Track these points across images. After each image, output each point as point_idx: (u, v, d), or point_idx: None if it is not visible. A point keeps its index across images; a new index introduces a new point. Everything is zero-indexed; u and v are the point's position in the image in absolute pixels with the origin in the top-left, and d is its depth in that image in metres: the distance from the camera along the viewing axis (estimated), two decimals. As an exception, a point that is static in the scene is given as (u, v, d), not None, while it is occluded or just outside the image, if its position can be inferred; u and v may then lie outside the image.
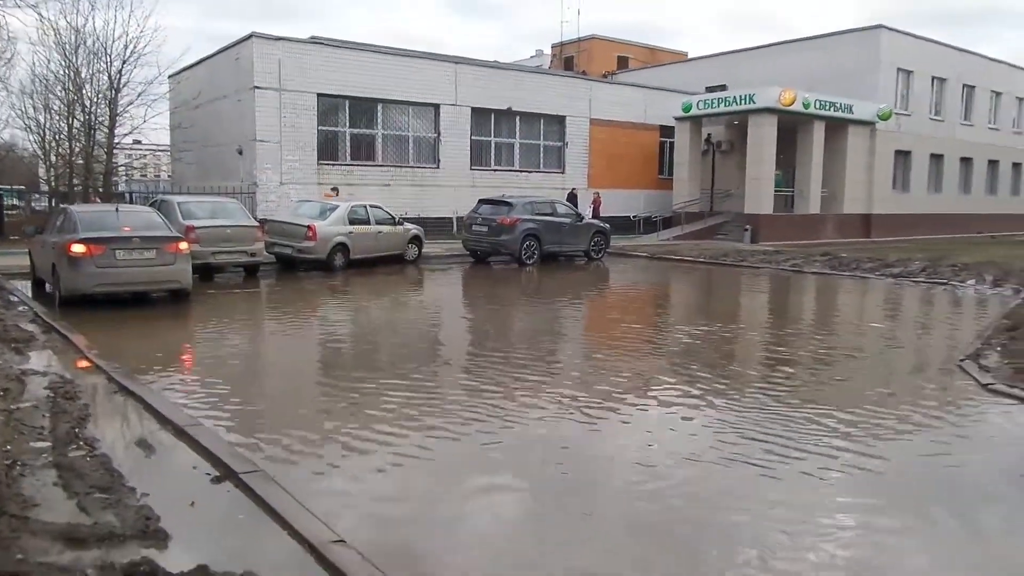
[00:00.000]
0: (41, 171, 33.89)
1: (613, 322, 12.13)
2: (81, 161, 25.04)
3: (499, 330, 11.11)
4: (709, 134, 30.06)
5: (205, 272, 14.35)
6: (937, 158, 32.27)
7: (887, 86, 29.16)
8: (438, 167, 25.33)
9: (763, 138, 26.00)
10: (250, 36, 21.97)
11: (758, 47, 32.68)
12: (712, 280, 17.84)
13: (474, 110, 25.85)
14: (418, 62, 24.82)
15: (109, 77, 24.18)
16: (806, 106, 26.22)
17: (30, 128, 28.63)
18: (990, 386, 7.09)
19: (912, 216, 30.40)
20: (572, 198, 26.00)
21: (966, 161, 33.84)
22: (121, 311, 10.80)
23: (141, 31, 26.66)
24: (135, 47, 23.83)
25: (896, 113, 29.26)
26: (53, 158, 28.25)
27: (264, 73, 21.85)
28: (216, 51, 24.51)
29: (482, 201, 19.81)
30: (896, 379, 8.08)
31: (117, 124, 24.83)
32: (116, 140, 25.29)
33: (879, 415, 6.28)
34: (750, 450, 5.25)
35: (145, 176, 65.90)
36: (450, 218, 24.57)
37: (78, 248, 10.77)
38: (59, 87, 25.10)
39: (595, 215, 26.58)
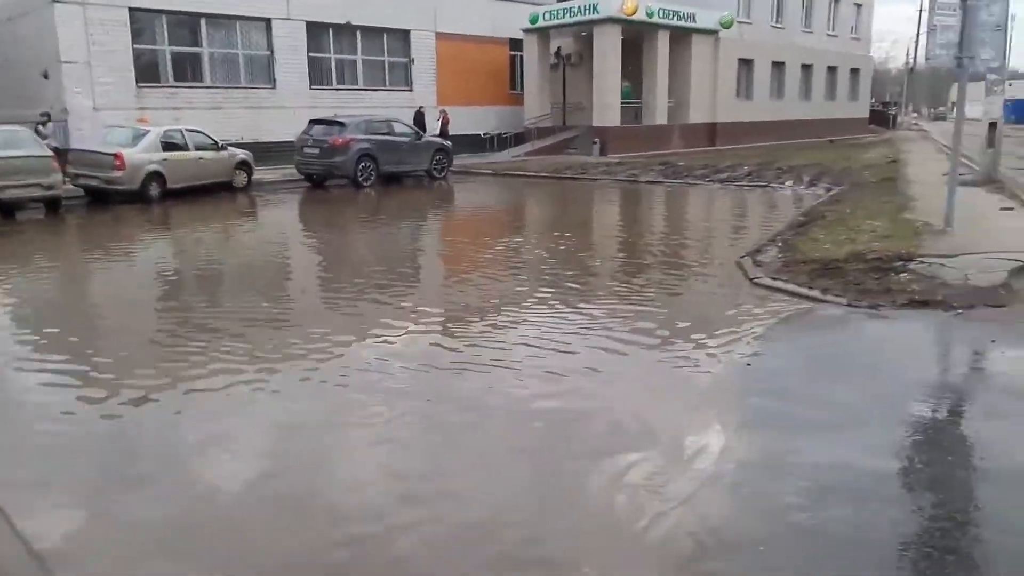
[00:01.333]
0: None
1: (437, 239, 11.93)
2: None
3: (336, 257, 10.60)
4: (559, 47, 29.72)
5: (-3, 209, 13.14)
6: (778, 66, 33.35)
7: (729, -6, 29.63)
8: (274, 87, 23.91)
9: (607, 49, 25.96)
10: (41, -59, 19.66)
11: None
12: (546, 193, 17.87)
13: (310, 25, 24.37)
14: (243, -28, 23.00)
15: None
16: (649, 15, 26.28)
17: None
18: (755, 280, 7.34)
19: (755, 124, 31.48)
20: (419, 116, 25.29)
21: (806, 68, 35.17)
22: None
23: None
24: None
25: (738, 22, 29.85)
26: None
27: (63, -15, 19.66)
28: (9, -40, 21.85)
29: (312, 122, 18.92)
30: (678, 278, 8.27)
31: None
32: None
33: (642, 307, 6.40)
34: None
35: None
36: (290, 141, 23.36)
37: None
38: None
39: (443, 133, 26.06)
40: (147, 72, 21.48)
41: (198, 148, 16.86)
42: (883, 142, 30.70)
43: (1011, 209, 8.96)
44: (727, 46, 29.69)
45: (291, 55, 24.01)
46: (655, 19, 26.55)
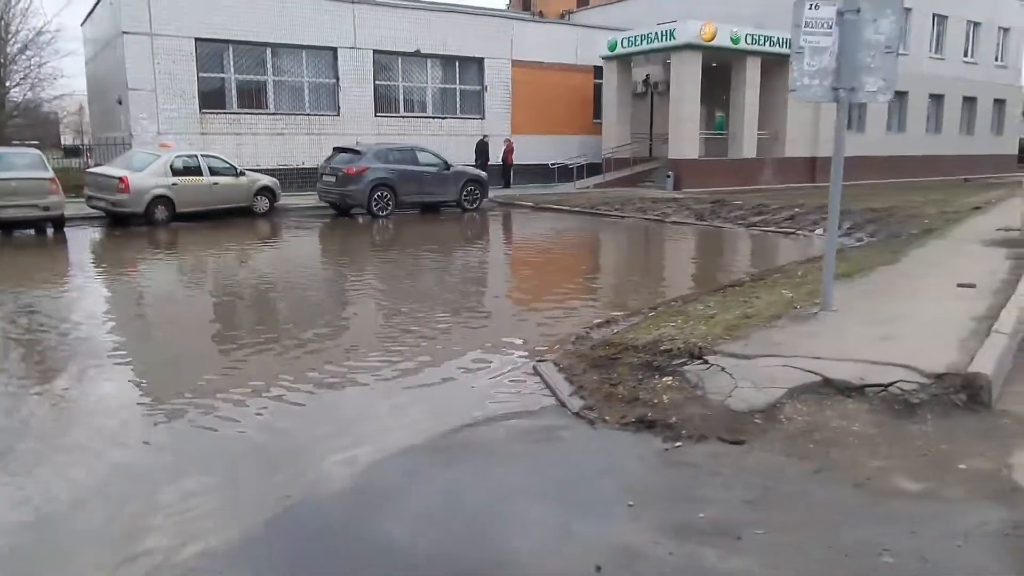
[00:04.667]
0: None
1: (400, 275, 11.01)
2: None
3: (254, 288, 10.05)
4: (647, 75, 28.14)
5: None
6: (900, 95, 29.72)
7: (838, 17, 26.71)
8: (338, 114, 24.12)
9: (685, 77, 24.09)
10: (115, -24, 20.94)
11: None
12: (553, 230, 16.39)
13: (377, 53, 24.45)
14: (310, 3, 23.43)
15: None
16: (735, 41, 24.17)
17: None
18: (538, 360, 5.76)
19: (868, 159, 28.06)
20: (482, 145, 24.64)
21: (936, 98, 31.18)
22: None
23: None
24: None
25: (847, 47, 26.86)
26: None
27: (132, 17, 20.79)
28: (101, -5, 23.56)
29: (336, 149, 18.68)
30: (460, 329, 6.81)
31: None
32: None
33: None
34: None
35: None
36: (344, 168, 23.44)
37: None
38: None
39: (505, 162, 25.27)
40: (211, 99, 22.26)
41: (214, 173, 16.99)
42: (1017, 184, 26.39)
43: (972, 287, 6.74)
44: (833, 73, 26.73)
45: (357, 83, 24.16)
46: (742, 45, 24.36)
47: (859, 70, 5.42)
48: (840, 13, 5.35)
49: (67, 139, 49.47)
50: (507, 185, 24.98)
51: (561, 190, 24.60)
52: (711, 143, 26.92)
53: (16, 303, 8.33)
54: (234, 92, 22.71)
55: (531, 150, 26.72)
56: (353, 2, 24.33)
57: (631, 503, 3.35)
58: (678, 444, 3.96)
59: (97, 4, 24.38)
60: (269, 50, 22.89)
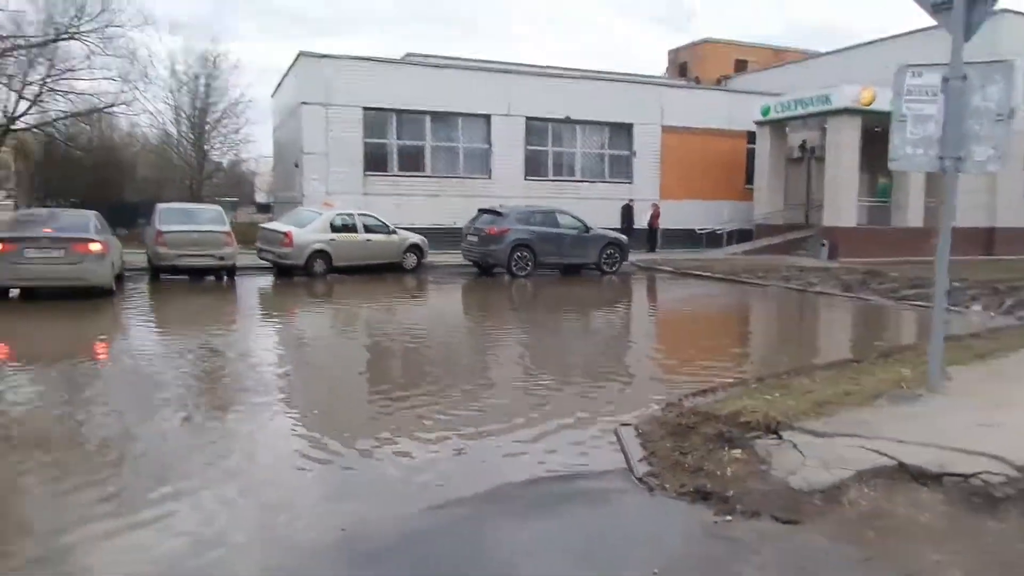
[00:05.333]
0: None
1: (494, 330, 11.47)
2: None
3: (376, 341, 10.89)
4: (804, 140, 27.37)
5: (175, 271, 15.64)
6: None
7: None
8: (489, 177, 25.24)
9: (843, 142, 23.20)
10: (299, 55, 23.32)
11: (877, 40, 28.97)
12: (688, 295, 16.24)
13: (529, 120, 25.48)
14: (469, 74, 24.93)
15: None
16: (899, 105, 23.03)
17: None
18: (622, 424, 5.77)
19: (1054, 230, 25.59)
20: (627, 210, 24.86)
21: None
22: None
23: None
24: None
25: (1031, 110, 24.81)
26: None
27: (311, 89, 23.04)
28: (287, 70, 26.27)
29: (481, 211, 19.51)
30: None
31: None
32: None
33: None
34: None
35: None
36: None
37: (-7, 246, 12.11)
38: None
39: (651, 227, 25.26)
40: (375, 162, 24.06)
41: (368, 231, 18.29)
42: None
43: None
44: (1014, 139, 24.69)
45: (509, 148, 25.23)
46: (907, 109, 23.15)
47: (967, 138, 5.16)
48: (945, 80, 5.15)
49: (260, 197, 54.66)
50: (652, 249, 24.94)
51: (708, 256, 24.17)
52: (873, 211, 25.58)
53: (193, 343, 9.39)
54: (395, 156, 24.42)
55: (679, 215, 26.56)
56: (508, 72, 25.63)
57: (656, 571, 3.34)
58: (728, 518, 3.89)
59: (284, 77, 27.20)
60: (428, 117, 24.48)
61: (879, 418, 4.92)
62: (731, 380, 7.14)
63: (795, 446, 4.47)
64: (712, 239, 26.27)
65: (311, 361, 9.06)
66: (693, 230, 26.64)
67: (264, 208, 44.50)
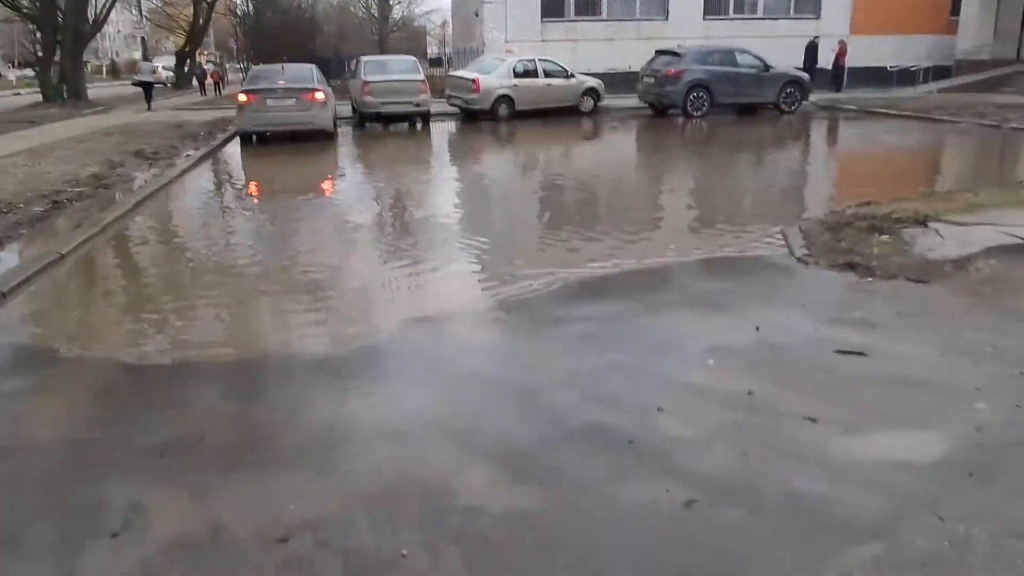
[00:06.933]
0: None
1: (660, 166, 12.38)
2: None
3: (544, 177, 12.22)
4: (1026, -41, 24.40)
5: (377, 118, 17.47)
6: None
7: None
8: (666, 19, 24.90)
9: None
10: (478, -99, 23.63)
11: None
12: (871, 132, 15.95)
13: (708, -46, 24.54)
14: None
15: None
16: None
17: None
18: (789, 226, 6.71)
19: None
20: (812, 48, 23.77)
21: None
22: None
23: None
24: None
25: None
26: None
27: (489, -63, 23.45)
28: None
29: (658, 52, 19.65)
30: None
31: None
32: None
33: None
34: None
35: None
36: (668, 71, 24.30)
37: (242, 97, 14.33)
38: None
39: (837, 66, 24.12)
40: (551, 8, 24.43)
41: (548, 75, 19.17)
42: None
43: None
44: None
45: (687, -14, 24.58)
46: None
47: None
48: None
49: (432, 50, 56.19)
50: (839, 89, 23.92)
51: (899, 95, 22.94)
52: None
53: (384, 185, 11.06)
54: (571, 1, 24.58)
55: (872, 52, 25.01)
56: (688, -97, 24.51)
57: (804, 304, 4.45)
58: (869, 279, 4.86)
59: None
60: (605, -42, 24.22)
61: (1021, 214, 5.55)
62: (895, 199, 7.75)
63: (937, 232, 5.27)
64: (905, 77, 24.71)
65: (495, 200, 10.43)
66: (884, 67, 25.11)
67: (435, 62, 45.99)
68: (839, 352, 3.74)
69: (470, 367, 3.86)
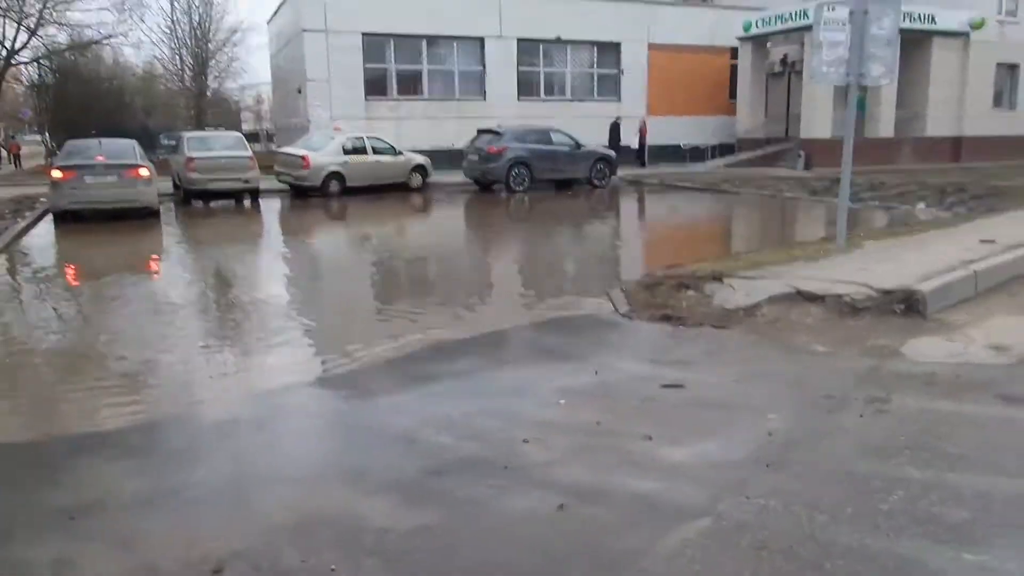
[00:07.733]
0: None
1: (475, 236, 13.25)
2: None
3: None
4: (785, 55, 28.59)
5: (204, 195, 17.17)
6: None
7: (985, -11, 26.07)
8: (484, 99, 26.53)
9: (818, 57, 24.53)
10: (298, -18, 24.29)
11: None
12: (671, 204, 18.13)
13: (520, 42, 26.61)
14: (462, -2, 25.89)
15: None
16: (872, 19, 24.30)
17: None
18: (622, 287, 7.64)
19: (1019, 138, 27.26)
20: (615, 127, 26.26)
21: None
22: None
23: None
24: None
25: (998, 20, 26.15)
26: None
27: (311, 16, 24.08)
28: (284, -1, 27.17)
29: (480, 131, 20.99)
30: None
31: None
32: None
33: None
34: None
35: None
36: (490, 148, 25.80)
37: (56, 173, 13.69)
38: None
39: (640, 144, 26.74)
40: (375, 87, 25.32)
41: (377, 152, 19.83)
42: None
43: (992, 242, 7.88)
44: (980, 49, 26.11)
45: (502, 70, 26.45)
46: (879, 23, 24.43)
47: (867, 59, 6.85)
48: (851, 13, 6.81)
49: (246, 125, 55.34)
50: (643, 165, 26.48)
51: (693, 170, 25.79)
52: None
53: (223, 261, 11.10)
54: (394, 81, 25.65)
55: (667, 131, 27.99)
56: (499, -6, 26.59)
57: (631, 350, 5.25)
58: (681, 327, 5.79)
59: (282, 5, 28.10)
60: (424, 42, 25.62)
61: (793, 269, 6.80)
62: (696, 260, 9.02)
63: (731, 286, 6.35)
64: (696, 154, 27.86)
65: (328, 276, 10.84)
66: (679, 145, 28.16)
67: (251, 137, 45.38)
68: (663, 386, 4.52)
69: (346, 422, 4.26)
